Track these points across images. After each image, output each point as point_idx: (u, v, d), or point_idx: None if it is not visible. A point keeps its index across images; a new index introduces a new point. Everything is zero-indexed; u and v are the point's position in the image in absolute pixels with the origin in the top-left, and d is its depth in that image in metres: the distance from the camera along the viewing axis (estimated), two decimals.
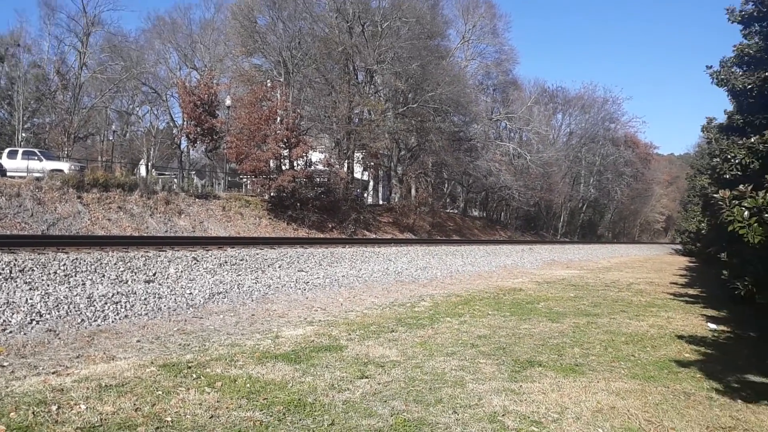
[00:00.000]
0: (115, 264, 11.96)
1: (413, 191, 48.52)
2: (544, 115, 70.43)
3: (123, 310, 9.42)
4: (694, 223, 26.84)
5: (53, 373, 5.99)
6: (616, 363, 7.52)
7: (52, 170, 24.72)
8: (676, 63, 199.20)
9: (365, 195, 47.82)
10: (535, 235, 65.84)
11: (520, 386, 6.18)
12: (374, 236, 35.43)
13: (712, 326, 10.97)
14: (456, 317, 10.70)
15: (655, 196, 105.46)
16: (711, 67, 11.76)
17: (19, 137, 41.62)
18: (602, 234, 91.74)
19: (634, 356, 8.00)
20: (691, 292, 18.34)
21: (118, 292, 10.17)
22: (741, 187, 5.35)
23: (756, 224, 5.20)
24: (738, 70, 11.53)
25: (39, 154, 27.74)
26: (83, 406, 4.94)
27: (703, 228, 21.84)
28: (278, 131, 31.65)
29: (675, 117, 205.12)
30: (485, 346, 8.21)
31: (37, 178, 22.32)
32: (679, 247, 48.72)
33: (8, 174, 23.72)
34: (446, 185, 59.84)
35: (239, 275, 13.94)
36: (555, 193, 67.33)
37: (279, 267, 15.85)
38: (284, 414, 5.01)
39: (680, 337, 9.65)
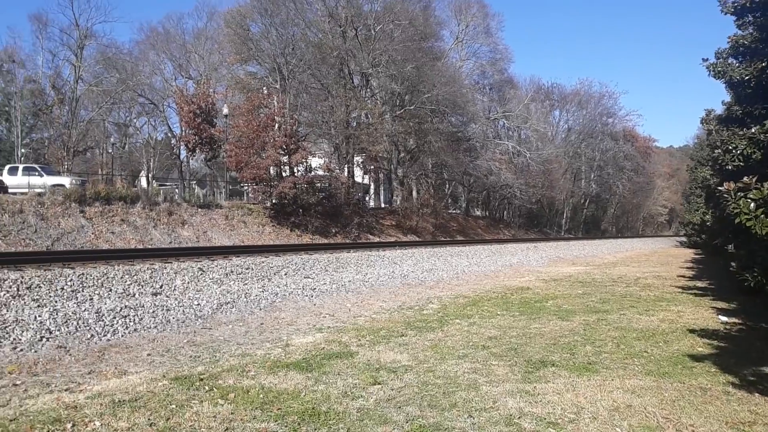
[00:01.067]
0: (122, 278, 11.94)
1: (415, 193, 48.54)
2: (542, 112, 70.53)
3: (132, 323, 9.39)
4: (698, 215, 26.75)
5: (66, 390, 5.96)
6: (630, 360, 7.48)
7: (54, 185, 24.77)
8: (671, 55, 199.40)
9: (367, 198, 47.83)
10: (538, 233, 65.84)
11: (534, 387, 6.14)
12: (378, 240, 35.41)
13: (724, 318, 10.93)
14: (465, 319, 10.66)
15: (657, 189, 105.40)
16: (707, 59, 11.73)
17: (19, 153, 41.70)
18: (606, 229, 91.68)
19: (647, 352, 7.96)
20: (699, 284, 18.28)
21: (126, 306, 10.14)
22: (746, 179, 5.33)
23: (763, 216, 5.17)
24: (734, 61, 11.50)
25: (39, 169, 27.79)
26: (98, 423, 4.91)
27: (708, 219, 21.76)
28: (276, 138, 31.66)
29: (673, 109, 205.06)
30: (496, 347, 8.17)
31: (39, 194, 22.35)
32: (683, 239, 48.54)
33: (10, 191, 23.78)
34: (447, 186, 59.85)
35: (246, 284, 13.92)
36: (556, 189, 67.31)
37: (285, 274, 15.82)
38: (299, 424, 4.97)
39: (692, 331, 9.61)
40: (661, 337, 9.09)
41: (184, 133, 37.28)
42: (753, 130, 9.69)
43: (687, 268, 26.54)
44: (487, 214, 65.66)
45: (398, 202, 46.40)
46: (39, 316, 8.90)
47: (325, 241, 30.78)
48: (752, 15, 11.02)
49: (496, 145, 57.87)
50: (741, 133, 10.12)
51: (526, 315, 11.21)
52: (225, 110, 36.67)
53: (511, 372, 6.77)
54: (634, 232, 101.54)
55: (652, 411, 5.40)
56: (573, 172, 77.42)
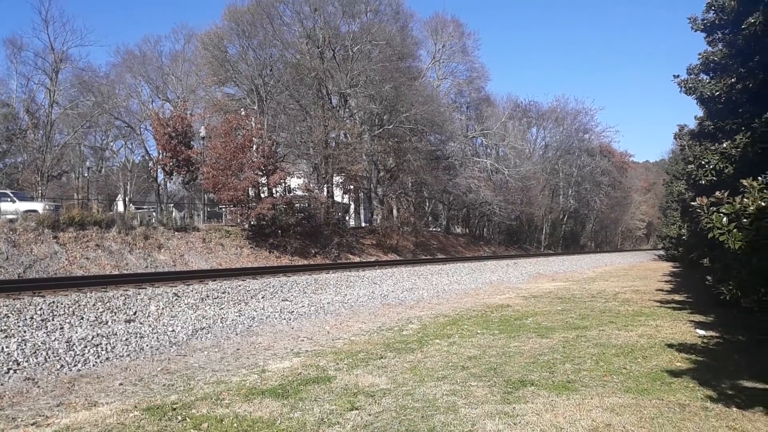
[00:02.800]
0: (94, 305, 11.69)
1: (395, 212, 48.51)
2: (519, 129, 71.18)
3: (104, 352, 9.16)
4: (674, 228, 27.04)
5: (33, 424, 5.78)
6: (609, 377, 7.45)
7: (26, 211, 24.31)
8: (647, 71, 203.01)
9: (347, 218, 47.68)
10: (518, 249, 66.09)
11: (514, 408, 6.07)
12: (358, 259, 35.27)
13: (701, 332, 10.98)
14: (445, 338, 10.57)
15: (635, 204, 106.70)
16: (678, 76, 11.91)
17: None
18: (585, 244, 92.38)
19: (626, 369, 7.94)
20: (677, 298, 18.41)
21: (98, 334, 9.90)
22: (718, 193, 5.37)
23: (735, 230, 5.21)
24: (705, 77, 11.69)
25: (11, 195, 27.27)
26: None
27: (684, 233, 21.99)
28: (254, 159, 31.52)
29: (648, 124, 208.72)
30: (476, 367, 8.10)
31: (11, 220, 21.92)
32: (661, 252, 49.10)
33: None
34: (427, 204, 59.97)
35: (222, 309, 13.71)
36: (535, 206, 67.74)
37: (262, 298, 15.63)
38: None
39: (670, 345, 9.62)
40: (640, 352, 9.09)
41: (160, 156, 36.98)
42: (725, 145, 9.84)
43: (665, 281, 26.77)
44: (468, 231, 65.84)
45: (378, 221, 46.32)
46: (6, 347, 8.65)
47: (305, 262, 30.56)
48: (721, 32, 11.24)
49: (475, 163, 58.22)
50: (713, 148, 10.26)
51: (506, 333, 11.16)
52: (202, 132, 36.44)
53: (490, 393, 6.70)
54: (612, 246, 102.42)
55: (630, 430, 5.36)
56: (551, 189, 78.10)
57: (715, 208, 5.35)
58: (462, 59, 62.85)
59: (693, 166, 10.72)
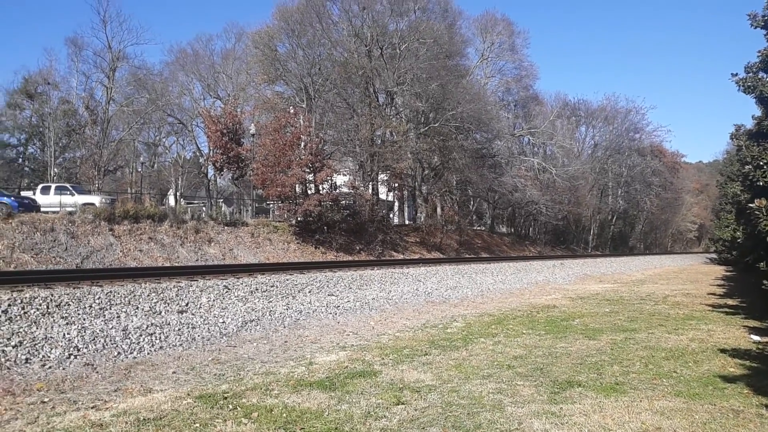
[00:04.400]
0: (148, 295, 12.09)
1: (439, 210, 48.36)
2: (568, 128, 69.96)
3: (158, 341, 9.49)
4: (728, 231, 26.13)
5: (92, 407, 6.03)
6: (658, 380, 7.31)
7: (84, 204, 25.27)
8: (700, 70, 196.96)
9: (391, 216, 47.84)
10: (565, 250, 65.08)
11: (561, 408, 6.04)
12: (402, 257, 35.34)
13: (756, 338, 10.64)
14: (490, 337, 10.55)
15: (686, 205, 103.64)
16: (736, 74, 11.55)
17: (52, 172, 42.66)
18: (634, 245, 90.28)
19: (677, 372, 7.78)
20: (730, 302, 17.86)
21: (152, 324, 10.26)
22: None
23: None
24: (764, 76, 11.31)
25: (71, 188, 28.38)
26: None
27: (738, 236, 21.26)
28: (302, 156, 31.93)
29: (701, 124, 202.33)
30: (522, 367, 8.06)
31: (70, 213, 22.81)
32: (714, 255, 47.55)
33: (42, 209, 24.25)
34: (472, 202, 59.56)
35: (270, 302, 13.98)
36: (583, 206, 66.53)
37: (309, 292, 15.86)
38: None
39: (723, 350, 9.37)
40: (691, 356, 8.88)
41: (211, 153, 37.82)
42: None
43: (717, 285, 25.97)
44: (513, 230, 65.15)
45: (422, 219, 46.28)
46: (68, 333, 9.05)
47: (350, 258, 30.81)
48: None
49: (522, 162, 57.52)
50: None
51: (552, 334, 11.05)
52: (252, 129, 37.14)
53: (536, 392, 6.67)
54: (662, 248, 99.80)
55: None
56: (600, 189, 76.53)
57: None
58: (510, 57, 62.27)
59: (750, 166, 10.39)
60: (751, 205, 5.72)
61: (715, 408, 6.09)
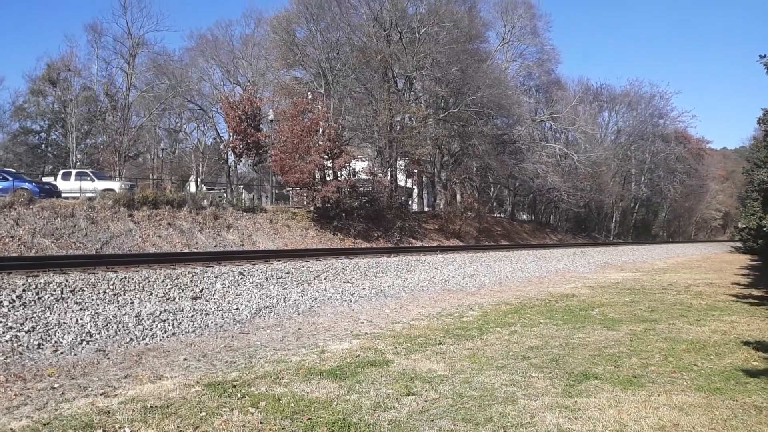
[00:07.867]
0: (163, 281, 12.11)
1: (458, 197, 48.05)
2: (590, 114, 68.96)
3: (170, 327, 9.48)
4: (754, 219, 25.52)
5: (101, 394, 6.01)
6: (678, 374, 7.10)
7: (104, 190, 25.50)
8: (726, 54, 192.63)
9: (410, 202, 47.67)
10: (586, 237, 64.39)
11: (575, 402, 5.87)
12: (420, 244, 35.21)
13: None
14: (506, 327, 10.39)
15: (711, 193, 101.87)
16: (765, 56, 11.17)
17: (74, 158, 43.17)
18: (657, 233, 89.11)
19: (697, 366, 7.55)
20: (755, 292, 17.45)
21: (165, 310, 10.26)
22: None
23: None
24: None
25: (91, 174, 28.64)
26: (128, 429, 4.91)
27: (765, 224, 20.76)
28: (320, 142, 31.82)
29: (726, 110, 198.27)
30: (537, 358, 7.90)
31: (90, 198, 22.99)
32: (738, 244, 46.69)
33: (63, 195, 24.50)
34: (492, 189, 59.12)
35: (285, 288, 13.95)
36: (605, 193, 65.66)
37: (324, 279, 15.82)
38: None
39: (746, 343, 9.10)
40: (713, 349, 8.64)
41: (231, 139, 37.90)
42: None
43: (742, 275, 25.45)
44: (533, 218, 64.62)
45: (441, 206, 46.02)
46: (81, 319, 9.08)
47: (368, 245, 30.75)
48: None
49: (543, 148, 56.78)
50: None
51: (570, 324, 10.86)
52: (271, 115, 37.09)
53: (551, 385, 6.51)
54: (686, 236, 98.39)
55: (701, 431, 5.08)
56: (622, 175, 75.47)
57: None
58: (532, 41, 61.30)
59: None
60: None
61: (737, 404, 5.88)
